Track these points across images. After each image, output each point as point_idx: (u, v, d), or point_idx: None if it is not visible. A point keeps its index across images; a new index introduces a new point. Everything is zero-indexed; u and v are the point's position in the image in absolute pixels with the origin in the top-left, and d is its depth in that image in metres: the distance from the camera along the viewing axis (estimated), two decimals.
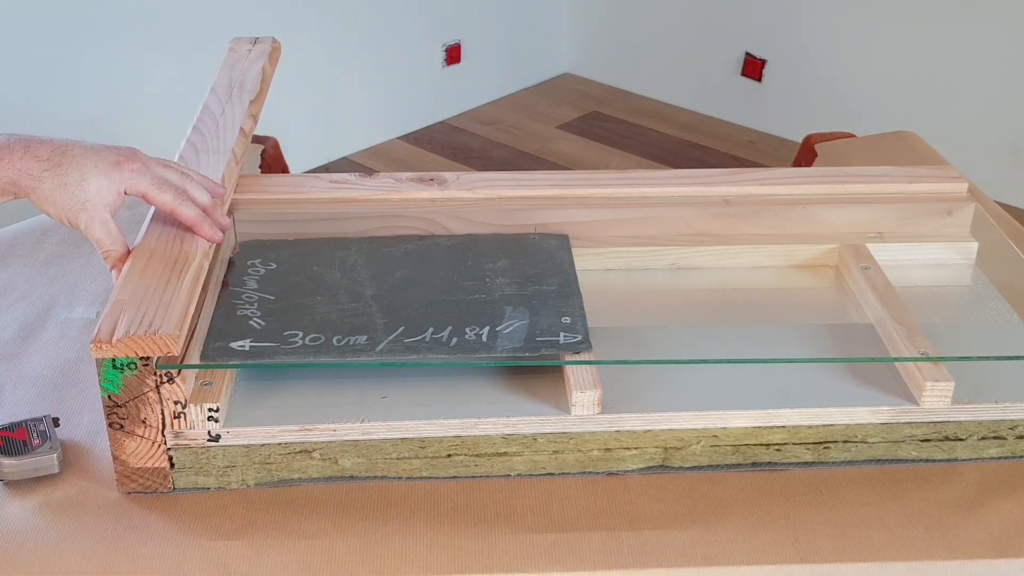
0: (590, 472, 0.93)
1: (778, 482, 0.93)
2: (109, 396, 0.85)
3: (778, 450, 0.94)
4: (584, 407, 0.90)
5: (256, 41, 1.36)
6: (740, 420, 0.92)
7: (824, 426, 0.93)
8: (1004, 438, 0.95)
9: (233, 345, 0.91)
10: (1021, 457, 0.96)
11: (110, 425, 0.86)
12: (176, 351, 0.83)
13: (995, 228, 1.19)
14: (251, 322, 0.95)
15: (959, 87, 2.73)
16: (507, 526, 0.88)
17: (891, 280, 1.06)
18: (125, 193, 0.93)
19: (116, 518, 0.87)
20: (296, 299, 0.99)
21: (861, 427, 0.93)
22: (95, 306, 1.14)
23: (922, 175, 1.20)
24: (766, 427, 0.92)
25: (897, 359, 0.96)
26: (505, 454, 0.91)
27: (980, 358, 0.98)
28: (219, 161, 1.09)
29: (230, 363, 0.91)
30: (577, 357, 0.92)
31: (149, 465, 0.89)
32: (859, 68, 2.89)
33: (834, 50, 2.93)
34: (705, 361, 0.96)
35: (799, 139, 1.66)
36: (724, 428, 0.92)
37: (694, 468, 0.94)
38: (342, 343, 0.92)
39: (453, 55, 3.14)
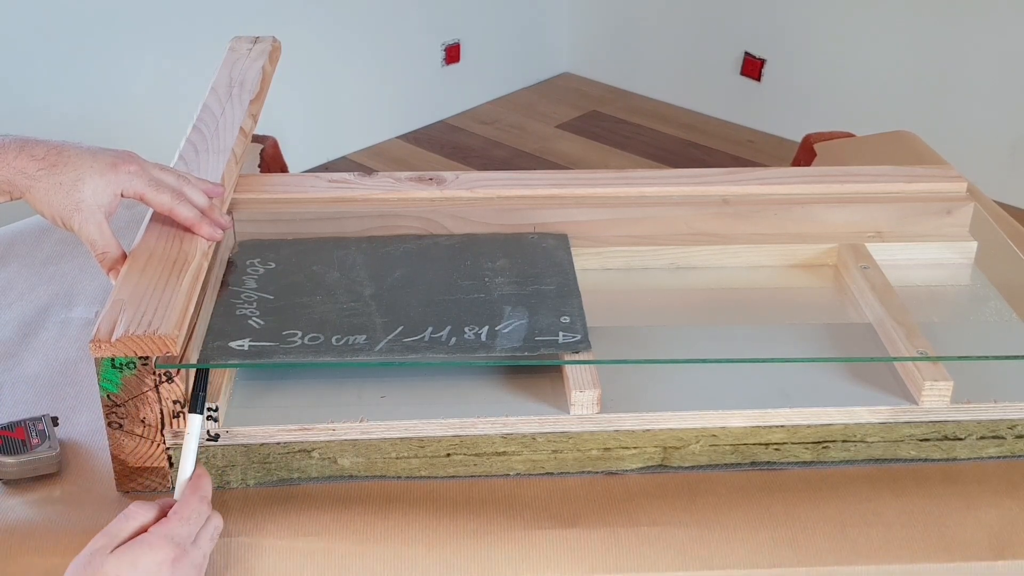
0: (589, 472, 0.93)
1: (777, 481, 0.93)
2: (108, 395, 0.85)
3: (777, 449, 0.94)
4: (583, 407, 0.90)
5: (256, 40, 1.36)
6: (739, 420, 0.92)
7: (823, 426, 0.93)
8: (1003, 438, 0.95)
9: (232, 344, 0.91)
10: (1020, 457, 0.96)
11: (109, 424, 0.86)
12: (175, 351, 0.83)
13: (994, 228, 1.19)
14: (250, 321, 0.95)
15: (959, 87, 2.73)
16: (506, 526, 0.87)
17: (890, 280, 1.06)
18: (122, 195, 0.92)
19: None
20: (295, 298, 0.99)
21: (860, 427, 0.93)
22: (94, 306, 1.14)
23: (921, 175, 1.20)
24: (765, 427, 0.92)
25: (896, 359, 0.96)
26: (504, 454, 0.91)
27: (979, 358, 0.98)
28: (219, 160, 1.09)
29: (229, 363, 0.91)
30: (576, 356, 0.92)
31: (148, 464, 0.89)
32: (858, 68, 2.89)
33: (833, 50, 2.93)
34: (704, 361, 0.96)
35: (798, 139, 1.66)
36: (723, 428, 0.92)
37: (693, 468, 0.94)
38: (341, 342, 0.92)
39: (452, 54, 3.14)
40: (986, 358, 0.98)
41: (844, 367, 0.97)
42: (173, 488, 0.85)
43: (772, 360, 0.97)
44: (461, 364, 0.94)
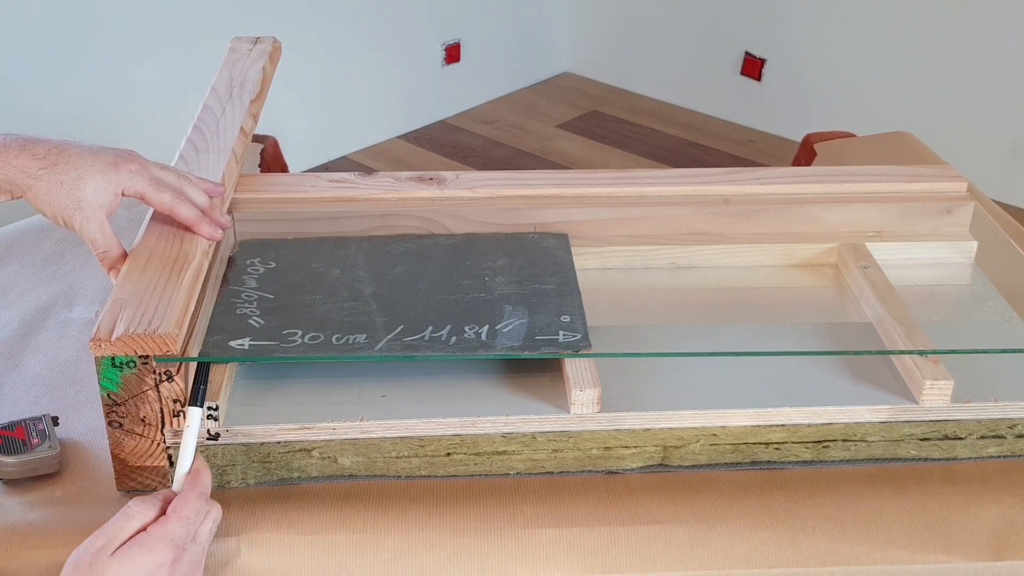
0: (589, 471, 0.93)
1: (777, 480, 0.93)
2: (108, 395, 0.85)
3: (777, 449, 0.94)
4: (583, 406, 0.90)
5: (257, 41, 1.36)
6: (739, 419, 0.92)
7: (823, 425, 0.93)
8: (1003, 437, 0.95)
9: (232, 343, 0.91)
10: (1020, 456, 0.96)
11: (109, 424, 0.86)
12: (175, 350, 0.83)
13: (995, 227, 1.19)
14: (250, 321, 0.95)
15: (959, 87, 2.73)
16: (506, 525, 0.88)
17: (890, 279, 1.06)
18: (123, 194, 0.92)
19: None
20: (295, 298, 0.99)
21: (860, 426, 0.93)
22: (94, 305, 1.14)
23: (921, 174, 1.20)
24: (765, 426, 0.92)
25: (895, 352, 0.96)
26: (504, 453, 0.91)
27: (975, 351, 0.97)
28: (219, 160, 1.09)
29: (229, 357, 0.90)
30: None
31: (148, 464, 0.89)
32: (859, 68, 2.89)
33: (834, 50, 2.93)
34: (702, 354, 0.96)
35: (798, 138, 1.66)
36: (723, 427, 0.92)
37: (693, 467, 0.94)
38: (341, 342, 0.92)
39: (453, 54, 3.14)
40: (985, 351, 0.97)
41: (844, 367, 0.97)
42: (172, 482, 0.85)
43: (770, 353, 0.97)
44: (462, 358, 0.94)
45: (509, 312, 0.97)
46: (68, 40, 2.30)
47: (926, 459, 0.95)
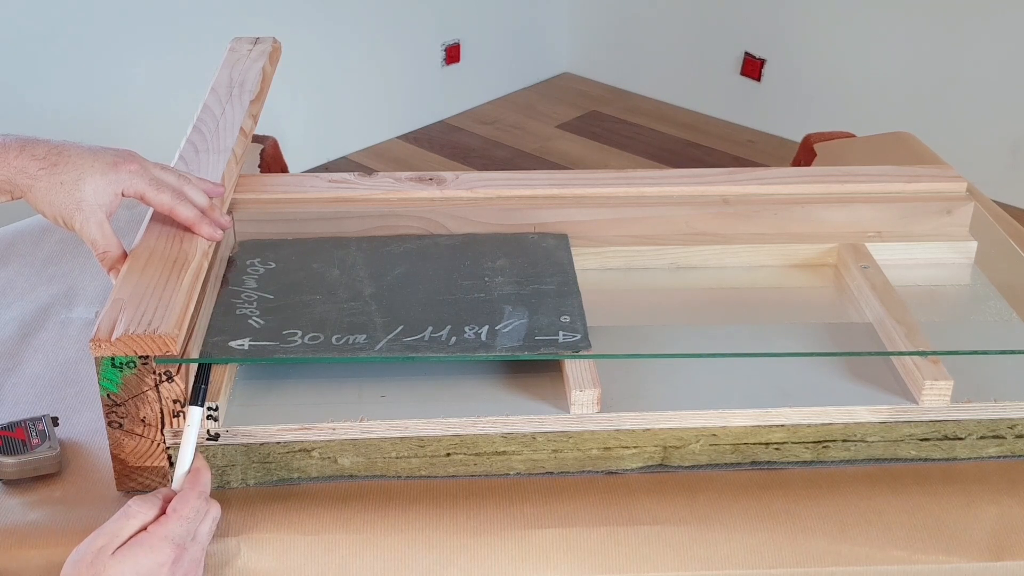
0: (589, 471, 0.93)
1: (777, 480, 0.93)
2: (108, 395, 0.85)
3: (777, 449, 0.94)
4: (583, 406, 0.90)
5: (257, 41, 1.36)
6: (739, 419, 0.92)
7: (823, 425, 0.93)
8: (1003, 437, 0.95)
9: (232, 344, 0.91)
10: (1020, 456, 0.96)
11: (109, 424, 0.86)
12: (175, 350, 0.83)
13: (995, 227, 1.19)
14: (250, 321, 0.95)
15: (958, 87, 2.73)
16: (506, 525, 0.88)
17: (890, 279, 1.06)
18: (123, 194, 0.92)
19: None
20: (295, 298, 0.99)
21: (860, 426, 0.93)
22: (94, 306, 1.14)
23: (921, 174, 1.20)
24: (765, 426, 0.92)
25: (894, 353, 0.96)
26: (504, 453, 0.91)
27: (975, 352, 0.97)
28: (219, 160, 1.09)
29: (228, 358, 0.90)
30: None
31: (148, 464, 0.89)
32: (858, 68, 2.89)
33: (833, 50, 2.93)
34: (702, 355, 0.96)
35: (798, 139, 1.66)
36: (723, 427, 0.92)
37: (693, 467, 0.94)
38: (341, 342, 0.92)
39: (452, 54, 3.14)
40: (985, 352, 0.97)
41: (844, 367, 0.97)
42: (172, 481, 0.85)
43: (771, 354, 0.97)
44: (462, 359, 0.94)
45: (509, 312, 0.97)
46: (67, 40, 2.30)
47: (926, 459, 0.95)
